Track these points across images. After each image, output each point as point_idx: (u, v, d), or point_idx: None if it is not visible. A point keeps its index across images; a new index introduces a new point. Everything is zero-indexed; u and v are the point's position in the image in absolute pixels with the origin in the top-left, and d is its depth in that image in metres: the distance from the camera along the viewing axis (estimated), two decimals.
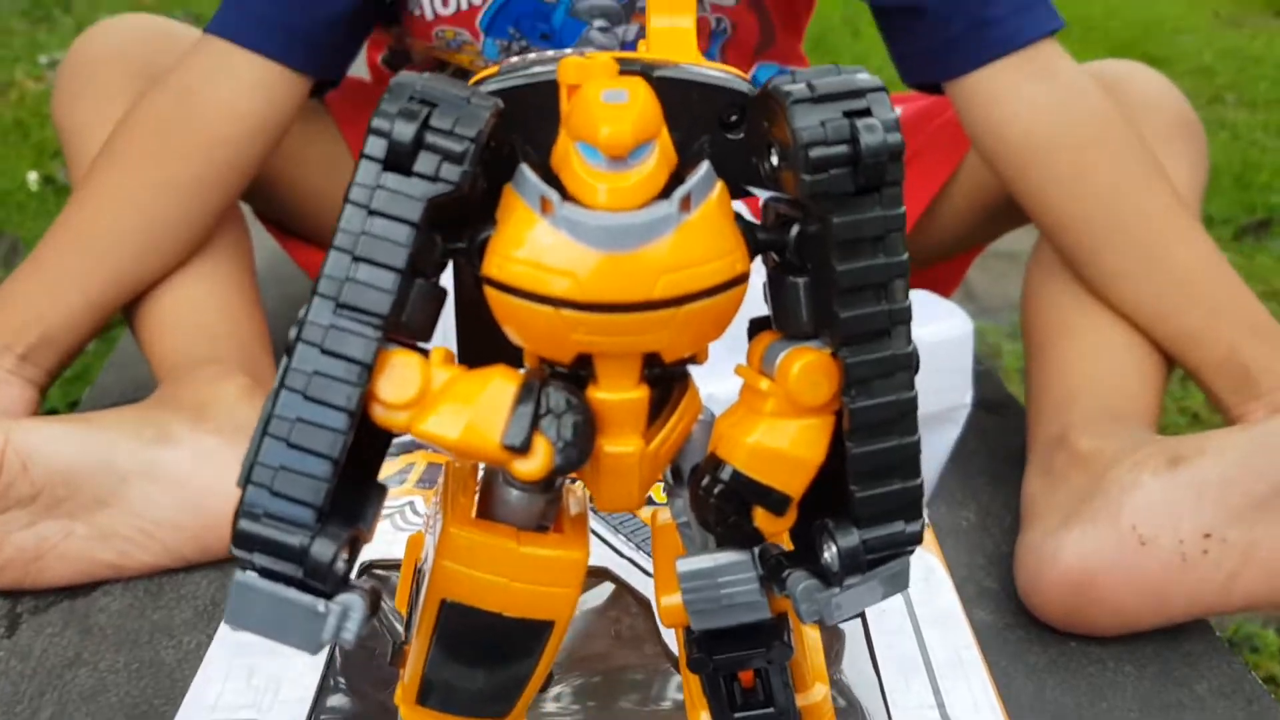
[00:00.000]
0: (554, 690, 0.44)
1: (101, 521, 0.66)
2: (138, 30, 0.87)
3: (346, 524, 0.31)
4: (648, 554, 0.50)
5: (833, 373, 0.32)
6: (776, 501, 0.33)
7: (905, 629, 0.46)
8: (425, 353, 0.32)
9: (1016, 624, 0.67)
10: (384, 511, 0.52)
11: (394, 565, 0.49)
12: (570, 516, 0.36)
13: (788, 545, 0.36)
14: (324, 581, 0.30)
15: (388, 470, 0.53)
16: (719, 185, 0.32)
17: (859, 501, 0.32)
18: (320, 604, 0.31)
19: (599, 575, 0.49)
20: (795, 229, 0.33)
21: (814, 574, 0.34)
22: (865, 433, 0.32)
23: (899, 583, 0.34)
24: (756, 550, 0.35)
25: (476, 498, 0.35)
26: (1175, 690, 0.63)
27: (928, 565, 0.49)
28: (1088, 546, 0.62)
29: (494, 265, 0.31)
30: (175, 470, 0.66)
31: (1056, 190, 0.75)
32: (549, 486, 0.35)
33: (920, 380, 0.59)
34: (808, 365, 0.32)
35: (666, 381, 0.34)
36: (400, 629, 0.39)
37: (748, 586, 0.35)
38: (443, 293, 0.33)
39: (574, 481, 0.36)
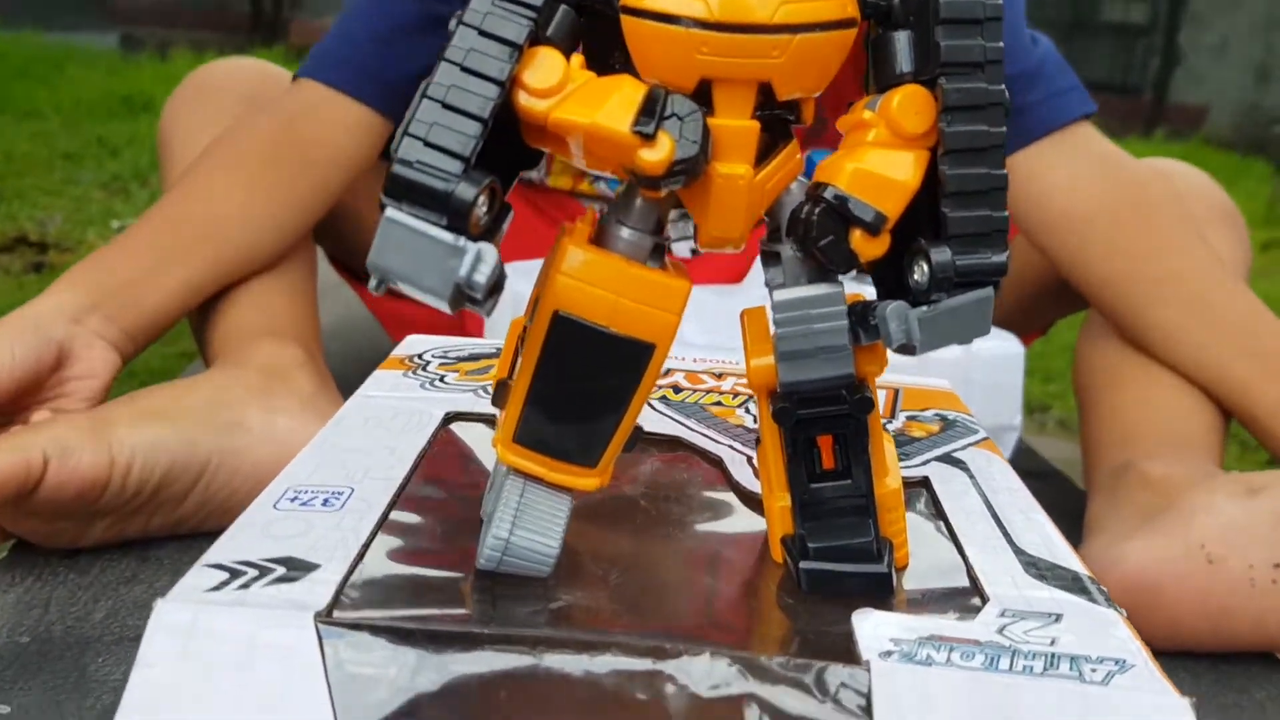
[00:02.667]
0: (627, 499, 0.45)
1: (179, 513, 0.68)
2: (254, 68, 0.94)
3: (486, 175, 0.34)
4: (720, 431, 0.52)
5: (930, 104, 0.36)
6: (874, 220, 0.36)
7: (970, 493, 0.47)
8: None
9: None
10: (467, 386, 0.54)
11: (477, 416, 0.51)
12: (674, 265, 0.39)
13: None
14: (464, 221, 0.33)
15: (476, 377, 0.56)
16: None
17: (950, 221, 0.35)
18: (460, 240, 0.33)
19: (673, 443, 0.51)
20: None
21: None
22: (958, 156, 0.35)
23: (982, 318, 0.37)
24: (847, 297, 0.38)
25: (592, 234, 0.38)
26: (1233, 694, 0.63)
27: (989, 457, 0.51)
28: (1153, 555, 0.62)
29: None
30: (252, 456, 0.68)
31: (1097, 253, 0.79)
32: (659, 228, 0.38)
33: (972, 395, 0.62)
34: (908, 94, 0.36)
35: (774, 128, 0.38)
36: (498, 380, 0.41)
37: (837, 323, 0.38)
38: (580, 28, 0.37)
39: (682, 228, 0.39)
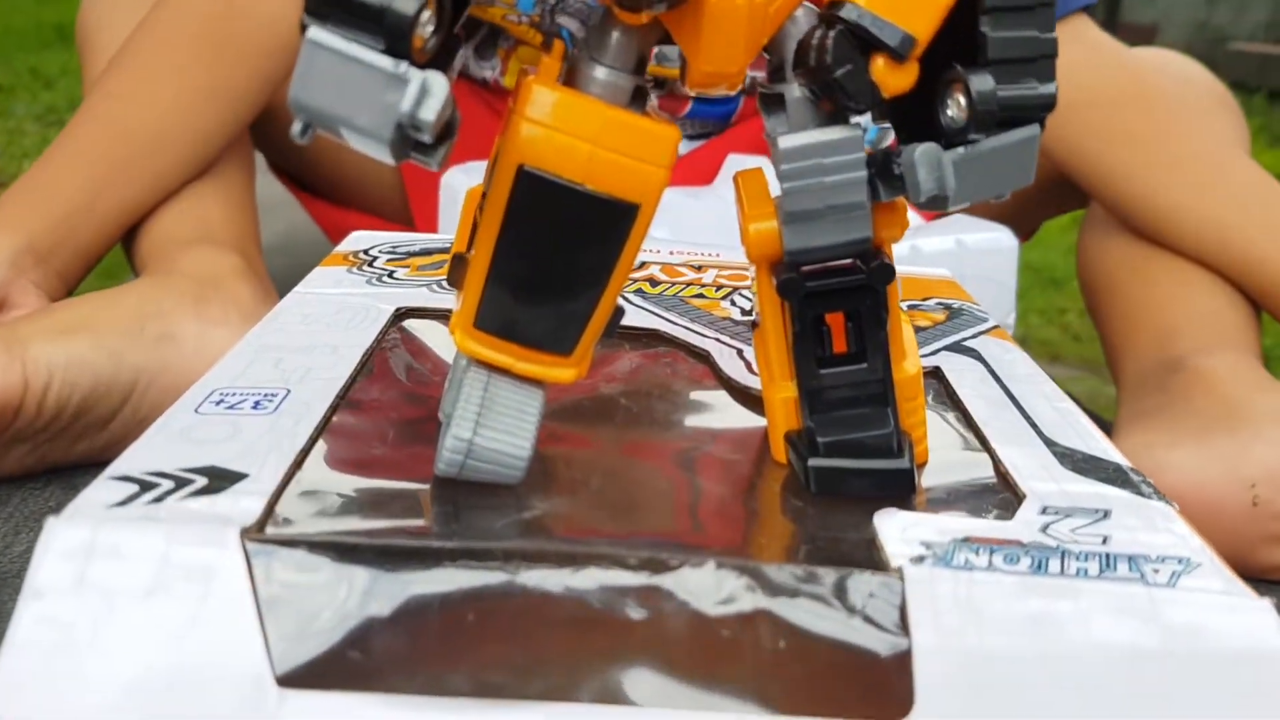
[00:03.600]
0: (607, 403, 0.39)
1: (105, 437, 0.61)
2: None
3: None
4: (704, 324, 0.46)
5: None
6: (901, 43, 0.30)
7: (988, 381, 0.42)
8: None
9: None
10: (420, 281, 0.48)
11: (431, 312, 0.45)
12: (657, 114, 0.33)
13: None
14: (404, 43, 0.27)
15: (430, 272, 0.50)
16: None
17: (992, 42, 0.30)
18: (401, 65, 0.27)
19: (655, 338, 0.45)
20: None
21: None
22: None
23: (1026, 163, 0.31)
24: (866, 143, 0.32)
25: (562, 74, 0.32)
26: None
27: (1006, 346, 0.46)
28: (1196, 477, 0.56)
29: None
30: (184, 372, 0.61)
31: (1098, 140, 0.74)
32: (640, 67, 0.32)
33: (967, 287, 0.56)
34: None
35: None
36: (455, 253, 0.35)
37: (854, 174, 0.32)
38: None
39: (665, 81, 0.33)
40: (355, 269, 0.50)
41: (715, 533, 0.33)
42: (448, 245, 0.54)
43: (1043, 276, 1.62)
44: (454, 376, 0.35)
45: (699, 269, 0.53)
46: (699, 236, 0.57)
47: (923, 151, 0.30)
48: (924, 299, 0.51)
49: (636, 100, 0.33)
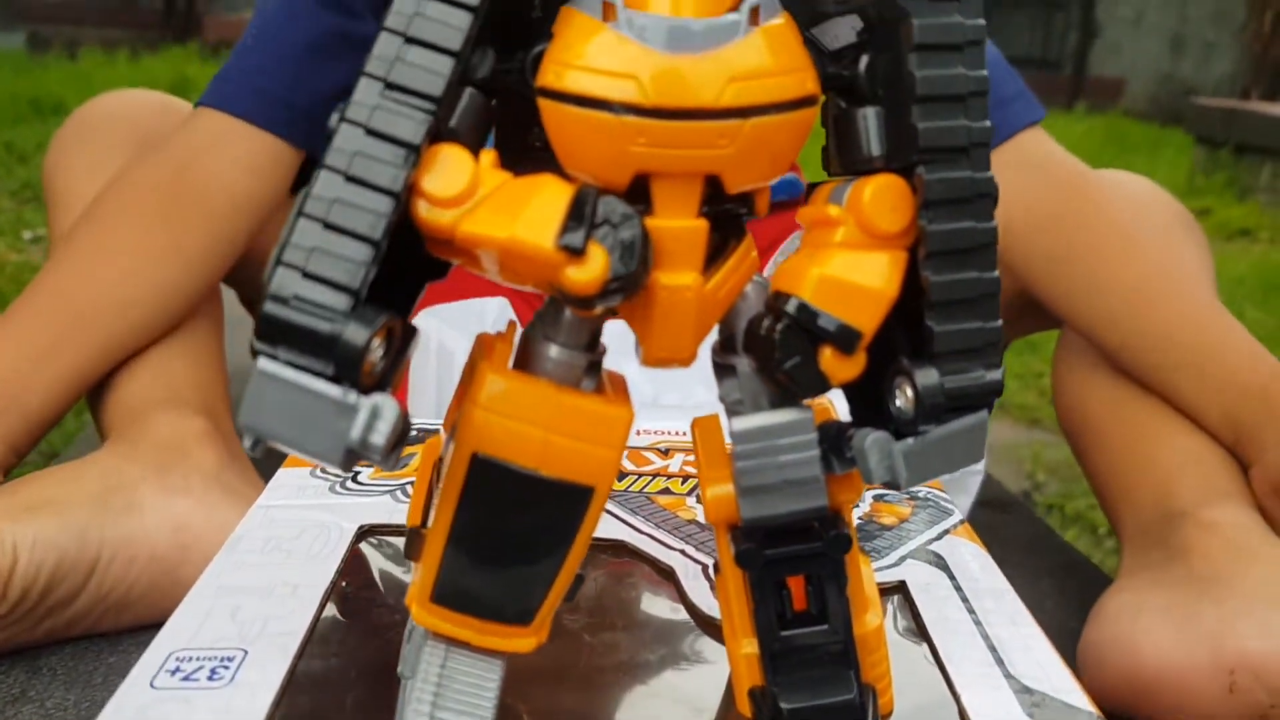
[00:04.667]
0: (571, 635, 0.39)
1: (72, 612, 0.61)
2: (139, 101, 0.86)
3: (381, 313, 0.28)
4: (669, 531, 0.46)
5: (908, 197, 0.30)
6: (847, 337, 0.30)
7: (952, 599, 0.42)
8: None
9: None
10: (383, 487, 0.48)
11: (394, 529, 0.45)
12: (612, 384, 0.33)
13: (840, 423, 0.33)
14: (355, 371, 0.27)
15: (394, 473, 0.50)
16: (784, 14, 0.31)
17: (937, 337, 0.30)
18: (350, 394, 0.27)
19: (616, 549, 0.45)
20: (864, 60, 0.31)
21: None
22: (943, 259, 0.30)
23: (975, 446, 0.31)
24: (816, 422, 0.32)
25: (514, 354, 0.32)
26: None
27: (971, 550, 0.46)
28: (1176, 657, 0.55)
29: (551, 74, 0.30)
30: (149, 545, 0.61)
31: (1044, 268, 0.75)
32: (593, 344, 0.33)
33: None
34: (881, 187, 0.30)
35: (724, 226, 0.32)
36: (411, 528, 0.35)
37: (807, 453, 0.32)
38: (491, 111, 0.31)
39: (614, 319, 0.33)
40: (317, 472, 0.50)
41: None
42: (416, 434, 0.54)
43: (1019, 340, 1.63)
44: (411, 633, 0.34)
45: (666, 453, 0.53)
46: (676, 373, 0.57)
47: (873, 441, 0.30)
48: None
49: (590, 371, 0.33)
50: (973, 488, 0.72)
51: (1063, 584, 0.74)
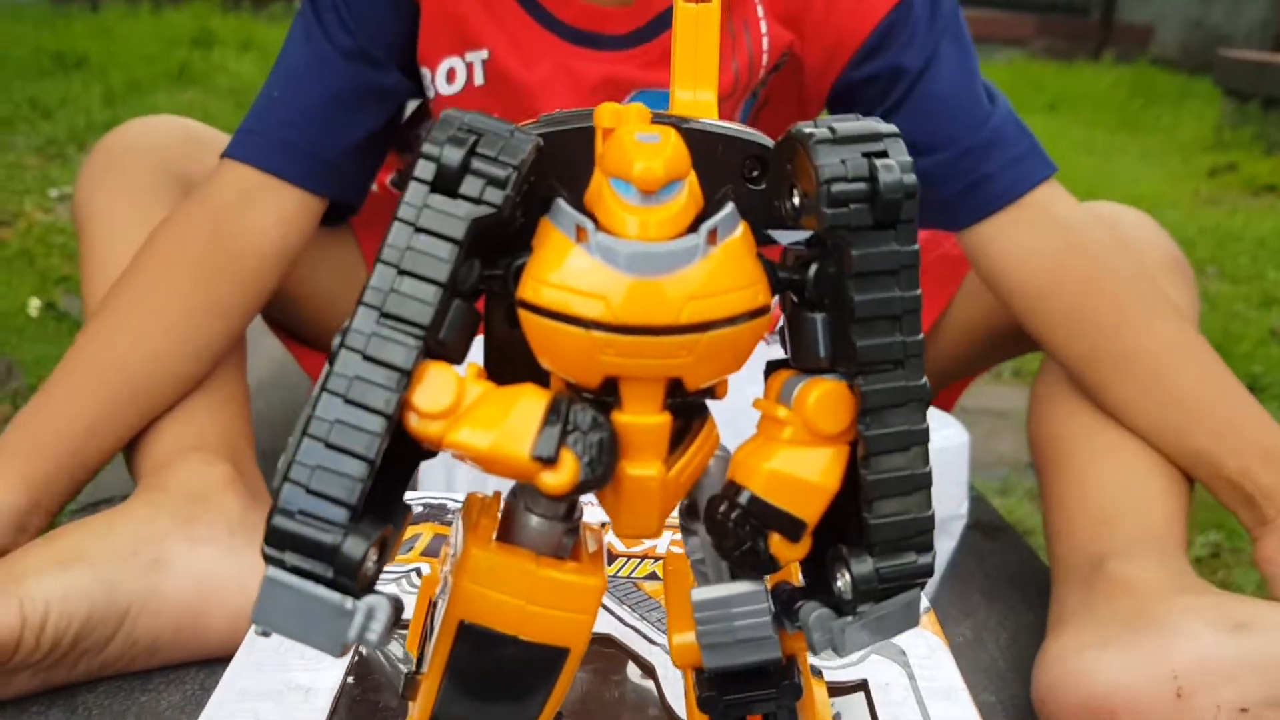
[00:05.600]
0: None
1: (103, 658, 0.65)
2: (170, 130, 0.89)
3: (377, 525, 0.32)
4: (654, 625, 0.50)
5: (849, 402, 0.34)
6: (792, 527, 0.34)
7: (908, 701, 0.46)
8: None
9: None
10: (390, 574, 0.52)
11: (400, 626, 0.49)
12: (588, 550, 0.37)
13: (798, 582, 0.37)
14: (352, 579, 0.31)
15: (400, 557, 0.54)
16: (742, 225, 0.34)
17: (872, 528, 0.33)
18: (348, 602, 0.31)
19: (605, 642, 0.49)
20: (814, 269, 0.35)
21: (827, 605, 0.34)
22: (879, 459, 0.33)
23: (909, 618, 0.35)
24: (769, 587, 0.36)
25: (498, 525, 0.36)
26: None
27: (930, 643, 0.50)
28: (1122, 677, 0.60)
29: (529, 289, 0.33)
30: (175, 595, 0.66)
31: (1062, 331, 0.77)
32: (570, 513, 0.36)
33: None
34: (824, 394, 0.34)
35: (687, 412, 0.35)
36: (407, 671, 0.39)
37: (760, 619, 0.36)
38: (477, 317, 0.34)
39: (593, 511, 0.37)
40: None
41: None
42: (419, 506, 0.58)
43: None
44: None
45: None
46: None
47: (816, 618, 0.34)
48: None
49: (569, 534, 0.37)
50: (956, 530, 0.75)
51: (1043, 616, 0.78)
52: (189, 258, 0.75)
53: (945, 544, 0.75)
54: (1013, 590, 0.80)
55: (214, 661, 0.68)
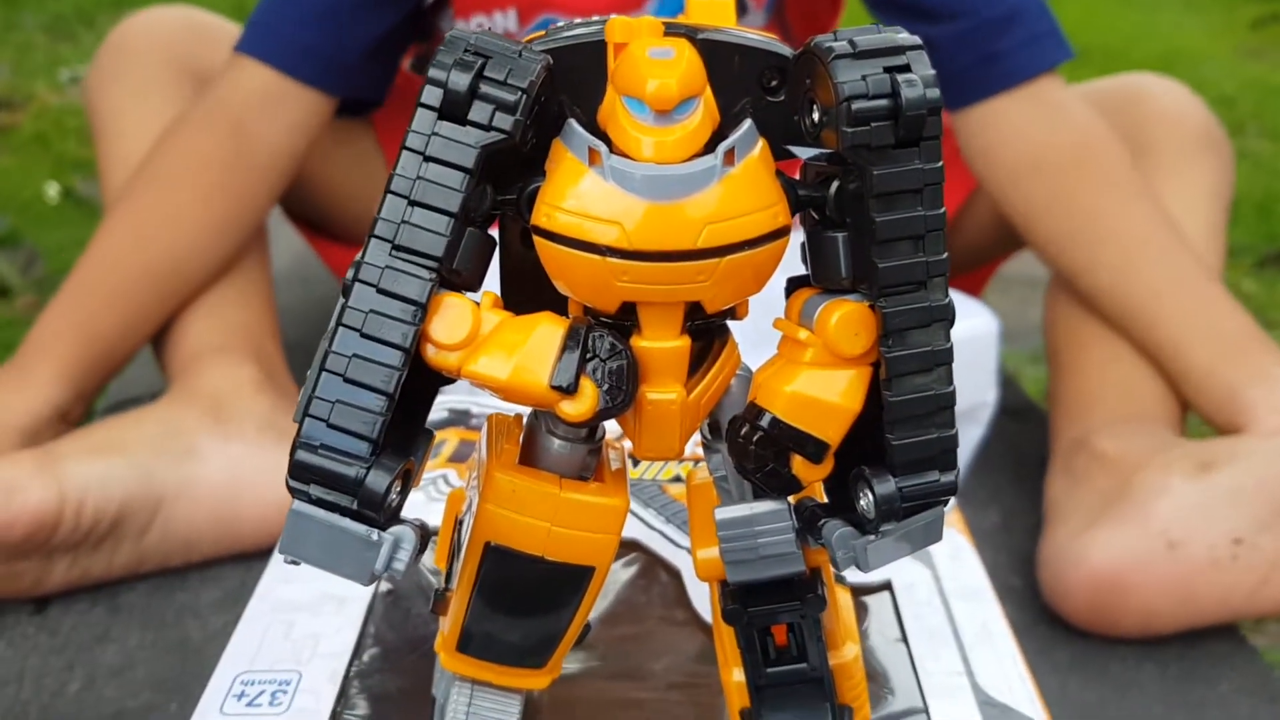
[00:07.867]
0: (584, 652, 0.44)
1: (142, 547, 0.67)
2: (177, 22, 0.89)
3: (399, 457, 0.32)
4: (679, 527, 0.50)
5: (871, 323, 0.33)
6: (814, 449, 0.34)
7: (933, 602, 0.46)
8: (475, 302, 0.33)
9: (1041, 620, 0.68)
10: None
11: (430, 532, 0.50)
12: (611, 469, 0.37)
13: (822, 498, 0.37)
14: (377, 512, 0.31)
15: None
16: (761, 142, 0.33)
17: (895, 449, 0.33)
18: (373, 533, 0.31)
19: (630, 547, 0.50)
20: (834, 185, 0.34)
21: (850, 523, 0.34)
22: (901, 380, 0.33)
23: (933, 534, 0.35)
24: (792, 502, 0.36)
25: (520, 447, 0.36)
26: (1199, 689, 0.64)
27: (956, 544, 0.50)
28: (1115, 549, 0.63)
29: (543, 215, 0.33)
30: (209, 485, 0.68)
31: (1039, 212, 0.77)
32: (591, 435, 0.36)
33: None
34: (846, 315, 0.33)
35: (707, 334, 0.35)
36: (438, 582, 0.40)
37: (783, 536, 0.36)
38: (492, 242, 0.34)
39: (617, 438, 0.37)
40: None
41: None
42: (447, 415, 0.58)
43: None
44: (443, 671, 0.40)
45: None
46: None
47: (839, 536, 0.34)
48: None
49: (592, 454, 0.37)
50: (984, 418, 0.75)
51: None
52: (211, 158, 0.76)
53: (974, 431, 0.75)
54: (1041, 472, 0.80)
55: (250, 557, 0.70)
